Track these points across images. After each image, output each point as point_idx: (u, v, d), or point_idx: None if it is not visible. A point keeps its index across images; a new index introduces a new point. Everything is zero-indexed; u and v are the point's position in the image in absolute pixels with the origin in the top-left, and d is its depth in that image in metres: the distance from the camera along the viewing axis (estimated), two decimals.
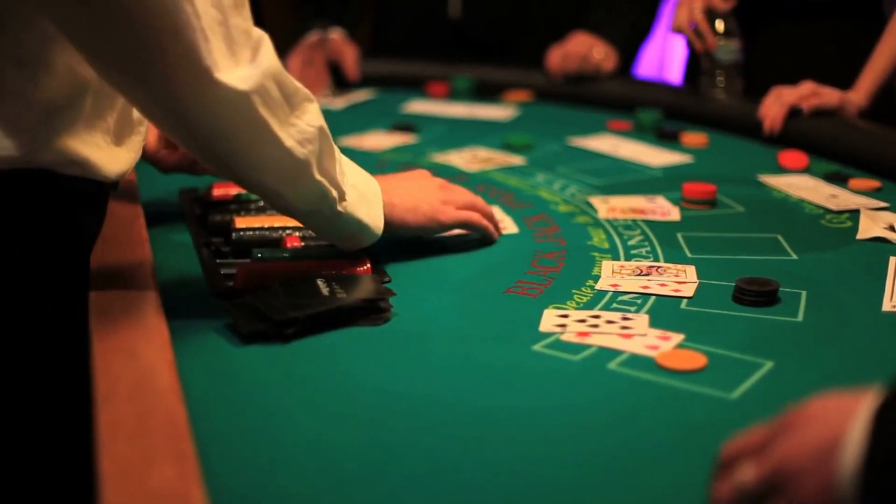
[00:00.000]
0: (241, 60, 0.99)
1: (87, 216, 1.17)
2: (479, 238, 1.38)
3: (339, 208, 1.14)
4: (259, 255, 1.23)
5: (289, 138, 1.05)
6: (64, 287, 1.15)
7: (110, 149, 1.12)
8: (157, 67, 0.96)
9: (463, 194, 1.36)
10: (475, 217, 1.35)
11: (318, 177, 1.09)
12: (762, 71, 2.13)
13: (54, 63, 1.03)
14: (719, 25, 2.05)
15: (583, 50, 2.31)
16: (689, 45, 2.13)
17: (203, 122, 1.00)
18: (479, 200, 1.37)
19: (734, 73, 2.09)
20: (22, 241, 1.10)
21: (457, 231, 1.36)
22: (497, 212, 1.51)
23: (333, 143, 1.12)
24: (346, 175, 1.15)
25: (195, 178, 1.52)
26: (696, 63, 2.16)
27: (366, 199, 1.19)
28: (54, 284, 1.13)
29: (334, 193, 1.12)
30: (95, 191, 1.15)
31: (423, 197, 1.30)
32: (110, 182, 1.14)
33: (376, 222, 1.21)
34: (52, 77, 1.03)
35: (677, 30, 2.10)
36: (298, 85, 1.07)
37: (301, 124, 1.06)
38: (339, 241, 1.22)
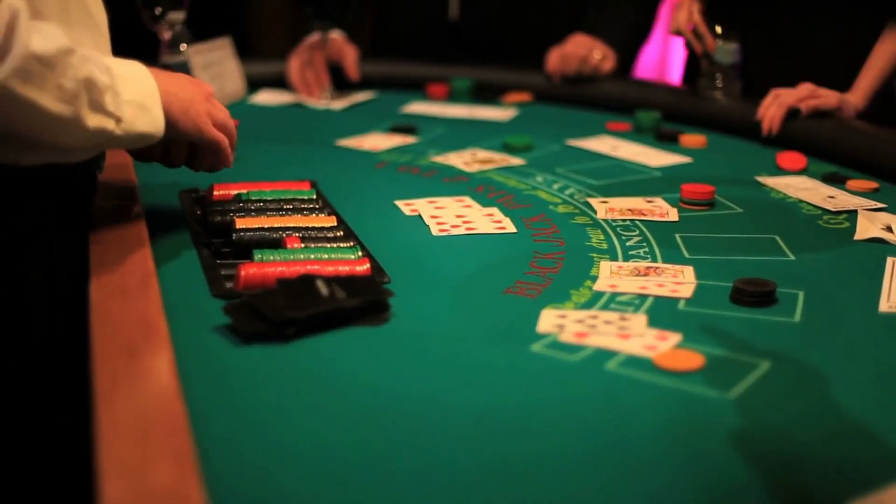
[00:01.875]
0: None
1: (71, 203, 1.19)
2: (477, 237, 1.39)
3: (118, 132, 1.16)
4: (259, 256, 1.24)
5: (54, 103, 1.07)
6: (61, 284, 1.15)
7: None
8: None
9: (223, 112, 1.34)
10: (223, 142, 1.32)
11: (90, 123, 1.12)
12: (761, 72, 2.13)
13: None
14: (717, 28, 2.05)
15: (582, 51, 2.32)
16: (688, 46, 2.13)
17: None
18: (230, 124, 1.35)
19: (732, 75, 2.09)
20: (11, 237, 1.11)
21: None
22: (496, 212, 1.51)
23: (100, 74, 1.12)
24: (119, 95, 1.16)
25: (195, 179, 1.53)
26: (695, 64, 2.16)
27: (144, 108, 1.19)
28: (49, 281, 1.14)
29: (110, 125, 1.14)
30: (74, 175, 1.18)
31: (193, 103, 1.28)
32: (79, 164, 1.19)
33: (157, 126, 1.21)
34: None
35: (676, 31, 2.10)
36: (55, 45, 1.07)
37: (65, 82, 1.08)
38: (124, 148, 1.28)
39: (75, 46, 1.10)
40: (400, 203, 1.56)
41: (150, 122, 1.20)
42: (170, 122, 1.23)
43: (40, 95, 1.06)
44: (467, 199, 1.57)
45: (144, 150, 1.30)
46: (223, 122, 1.33)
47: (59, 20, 1.13)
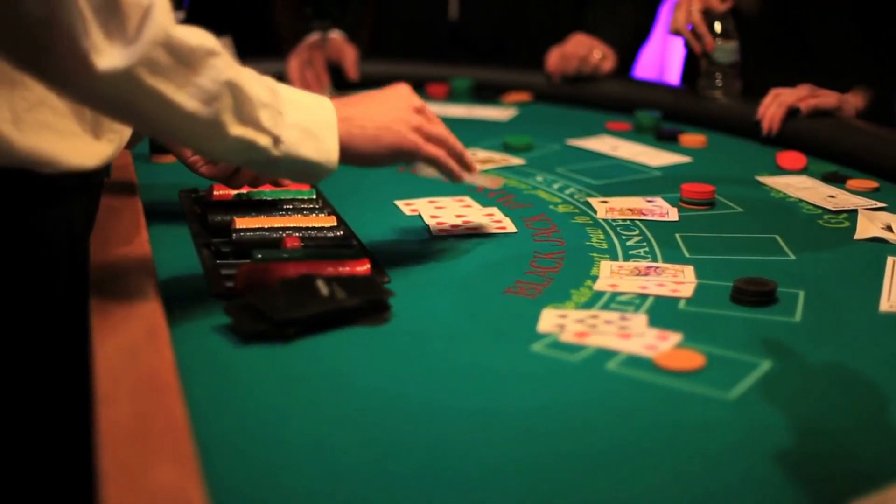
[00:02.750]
0: (120, 37, 0.97)
1: (74, 208, 1.19)
2: (477, 237, 1.39)
3: (276, 153, 1.09)
4: (259, 256, 1.23)
5: (189, 101, 1.02)
6: (60, 283, 1.15)
7: (88, 140, 1.13)
8: (45, 60, 0.96)
9: (437, 125, 1.26)
10: (442, 155, 1.25)
11: (235, 132, 1.06)
12: (761, 72, 2.13)
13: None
14: (717, 27, 2.05)
15: (582, 51, 2.32)
16: (687, 46, 2.13)
17: (100, 104, 1.02)
18: (451, 136, 1.27)
19: (732, 74, 2.09)
20: (13, 240, 1.11)
21: (428, 171, 1.28)
22: (496, 212, 1.51)
23: (257, 88, 1.08)
24: (283, 115, 1.10)
25: (194, 179, 1.52)
26: (695, 64, 2.16)
27: (312, 135, 1.13)
28: (50, 281, 1.14)
29: (263, 141, 1.08)
30: (79, 182, 1.17)
31: (389, 123, 1.20)
32: (92, 171, 1.16)
33: (328, 157, 1.14)
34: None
35: (675, 31, 2.10)
36: (197, 42, 1.02)
37: (203, 82, 1.02)
38: (292, 179, 1.19)
39: (223, 51, 1.06)
40: (400, 203, 1.56)
41: (318, 149, 1.12)
42: (359, 155, 1.18)
43: (170, 89, 1.00)
44: (467, 199, 1.57)
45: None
46: (441, 136, 1.25)
47: None
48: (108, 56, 0.96)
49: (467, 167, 1.30)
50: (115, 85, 0.97)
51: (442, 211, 1.51)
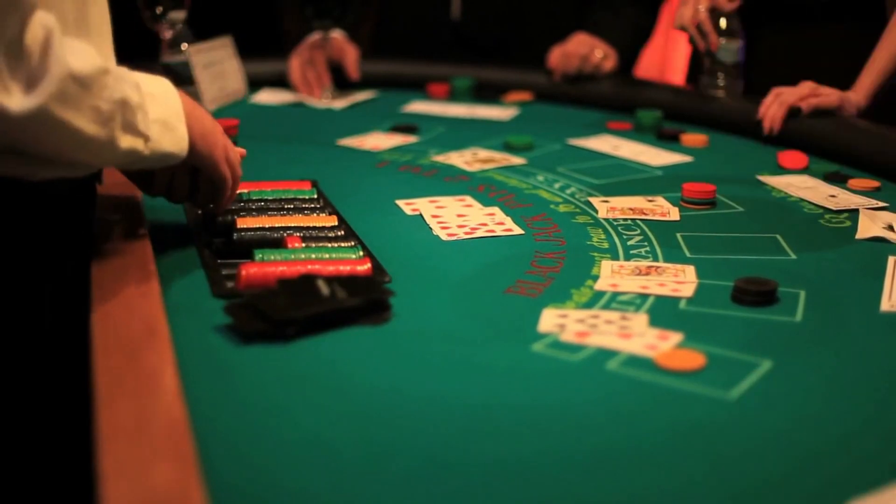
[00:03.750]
0: (26, 78, 0.98)
1: (73, 213, 1.19)
2: (480, 238, 1.39)
3: (146, 152, 1.14)
4: (260, 256, 1.24)
5: (89, 125, 1.05)
6: (63, 285, 1.15)
7: None
8: None
9: (235, 153, 1.33)
10: (228, 181, 1.30)
11: (123, 145, 1.09)
12: (763, 72, 2.13)
13: None
14: (722, 24, 2.05)
15: (583, 50, 2.32)
16: (692, 43, 2.12)
17: (8, 143, 1.03)
18: (238, 168, 1.34)
19: (735, 74, 2.09)
20: (11, 243, 1.11)
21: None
22: (497, 212, 1.51)
23: (132, 93, 1.10)
24: (148, 114, 1.14)
25: None
26: (699, 62, 2.16)
27: (169, 126, 1.18)
28: (51, 282, 1.14)
29: (139, 144, 1.12)
30: (69, 189, 1.18)
31: (214, 133, 1.28)
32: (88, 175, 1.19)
33: (181, 144, 1.20)
34: None
35: (681, 27, 2.09)
36: (92, 65, 1.04)
37: (100, 104, 1.05)
38: (150, 168, 1.24)
39: (109, 65, 1.08)
40: (401, 202, 1.56)
41: (175, 141, 1.19)
42: (190, 147, 1.22)
43: (76, 117, 1.03)
44: (468, 199, 1.57)
45: (148, 181, 1.31)
46: (234, 162, 1.31)
47: (77, 31, 1.12)
48: (19, 98, 0.97)
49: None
50: (27, 123, 0.99)
51: (443, 211, 1.51)
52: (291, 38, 2.48)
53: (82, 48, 1.05)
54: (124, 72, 1.12)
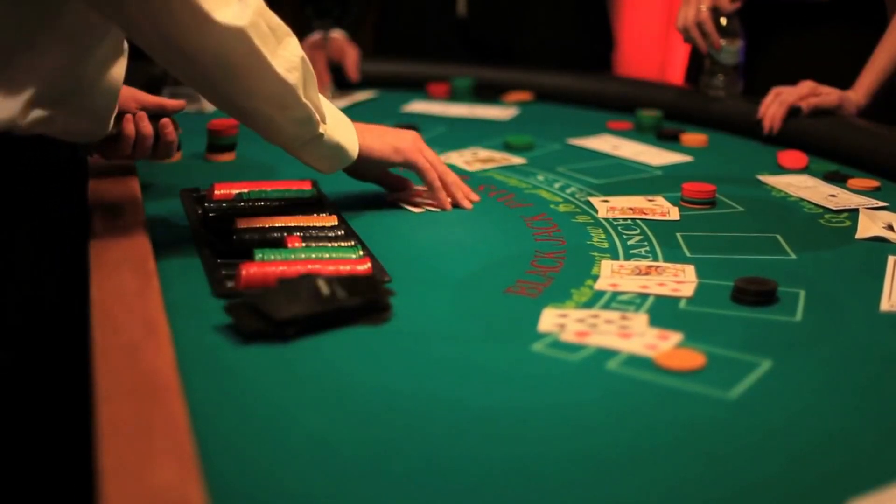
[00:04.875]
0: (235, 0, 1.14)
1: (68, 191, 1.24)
2: (478, 236, 1.39)
3: (321, 130, 1.29)
4: (260, 256, 1.23)
5: (279, 66, 1.19)
6: (60, 281, 1.16)
7: None
8: (164, 13, 1.11)
9: (431, 153, 1.50)
10: (427, 168, 1.48)
11: (304, 100, 1.24)
12: (764, 72, 2.13)
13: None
14: (722, 24, 2.05)
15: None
16: (691, 42, 2.12)
17: (206, 58, 1.15)
18: (449, 172, 1.52)
19: (735, 74, 2.09)
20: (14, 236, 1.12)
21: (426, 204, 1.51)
22: (498, 211, 1.51)
23: (314, 73, 1.27)
24: (324, 104, 1.31)
25: (195, 179, 1.53)
26: (699, 62, 2.16)
27: (342, 123, 1.35)
28: (50, 279, 1.14)
29: (317, 116, 1.28)
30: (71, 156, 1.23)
31: (392, 134, 1.47)
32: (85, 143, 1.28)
33: (352, 145, 1.37)
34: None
35: (682, 28, 2.09)
36: (279, 20, 1.20)
37: (287, 54, 1.21)
38: (321, 163, 1.37)
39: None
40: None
41: (347, 137, 1.35)
42: (369, 149, 1.41)
43: (268, 53, 1.17)
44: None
45: (115, 140, 1.41)
46: (435, 159, 1.50)
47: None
48: (225, 13, 1.12)
49: (458, 197, 1.52)
50: (230, 40, 1.14)
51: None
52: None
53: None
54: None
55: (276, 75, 1.19)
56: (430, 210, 1.52)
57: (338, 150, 1.34)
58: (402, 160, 1.47)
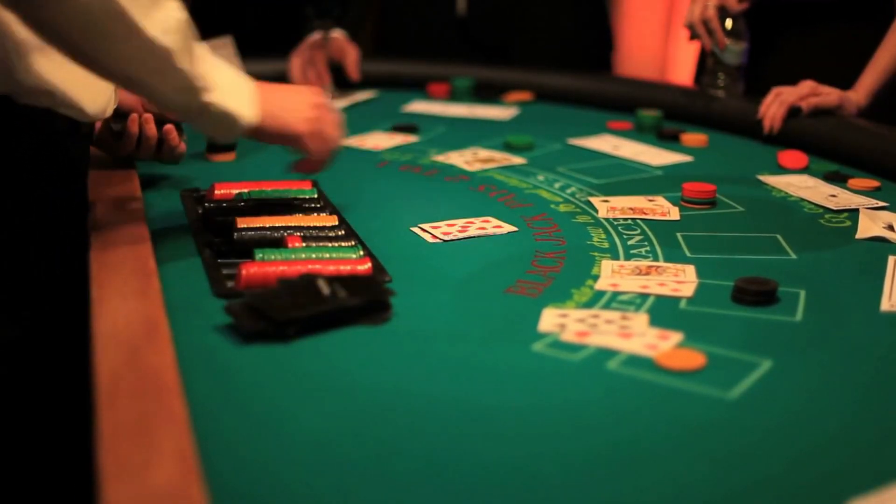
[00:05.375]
0: None
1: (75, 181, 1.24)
2: (479, 237, 1.39)
3: (208, 98, 1.19)
4: (260, 256, 1.23)
5: (151, 27, 1.11)
6: (61, 282, 1.16)
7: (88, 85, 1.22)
8: None
9: (327, 128, 1.38)
10: (319, 156, 1.39)
11: (181, 66, 1.15)
12: (766, 73, 2.13)
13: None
14: (728, 25, 2.05)
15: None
16: (697, 39, 2.11)
17: (69, 22, 1.07)
18: (333, 142, 1.40)
19: (737, 75, 2.09)
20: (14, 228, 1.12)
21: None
22: (498, 211, 1.51)
23: (199, 41, 1.19)
24: (217, 69, 1.22)
25: (195, 178, 1.53)
26: (705, 62, 2.16)
27: (234, 92, 1.24)
28: (50, 279, 1.14)
29: (200, 83, 1.18)
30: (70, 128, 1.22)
31: (293, 109, 1.33)
32: (88, 120, 1.25)
33: (247, 115, 1.26)
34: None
35: (689, 24, 2.08)
36: None
37: (162, 15, 1.12)
38: (213, 131, 1.29)
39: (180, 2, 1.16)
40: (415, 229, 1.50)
41: (240, 107, 1.24)
42: (260, 126, 1.28)
43: (136, 13, 1.09)
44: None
45: (117, 138, 1.39)
46: (330, 138, 1.38)
47: None
48: None
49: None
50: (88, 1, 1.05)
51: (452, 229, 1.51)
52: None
53: None
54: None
55: (146, 38, 1.10)
56: (430, 210, 1.52)
57: (228, 118, 1.24)
58: (300, 143, 1.36)
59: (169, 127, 1.52)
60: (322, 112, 1.36)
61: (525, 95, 2.37)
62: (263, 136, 1.31)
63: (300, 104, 1.34)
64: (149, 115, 1.50)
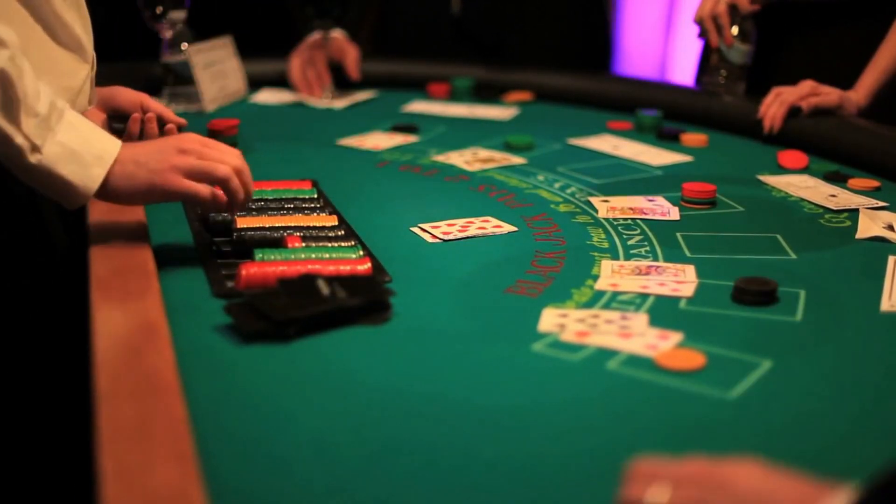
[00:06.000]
0: None
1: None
2: (479, 237, 1.39)
3: (31, 160, 1.11)
4: (260, 256, 1.23)
5: None
6: (61, 282, 1.15)
7: None
8: None
9: (196, 160, 1.21)
10: (201, 191, 1.21)
11: None
12: (769, 73, 2.12)
13: None
14: (734, 30, 2.04)
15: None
16: (704, 37, 2.10)
17: None
18: (218, 168, 1.22)
19: (740, 75, 2.08)
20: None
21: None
22: (498, 211, 1.51)
23: (33, 99, 1.10)
24: (53, 131, 1.12)
25: None
26: (708, 60, 2.15)
27: (78, 158, 1.14)
28: (50, 280, 1.14)
29: (19, 140, 1.09)
30: None
31: (151, 162, 1.19)
32: None
33: (86, 184, 1.14)
34: None
35: (699, 20, 2.08)
36: None
37: None
38: (46, 193, 1.17)
39: (15, 51, 1.08)
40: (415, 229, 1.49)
41: (78, 173, 1.13)
42: (115, 190, 1.17)
43: None
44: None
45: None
46: (201, 170, 1.21)
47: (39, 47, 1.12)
48: None
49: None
50: None
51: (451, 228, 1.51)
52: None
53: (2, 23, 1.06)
54: (50, 91, 1.12)
55: None
56: (430, 211, 1.52)
57: (61, 184, 1.14)
58: (162, 197, 1.21)
59: (170, 127, 1.52)
60: (195, 146, 1.22)
61: (525, 95, 2.37)
62: (124, 199, 1.19)
63: (162, 153, 1.20)
64: (151, 115, 1.50)
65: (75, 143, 1.14)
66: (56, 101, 1.12)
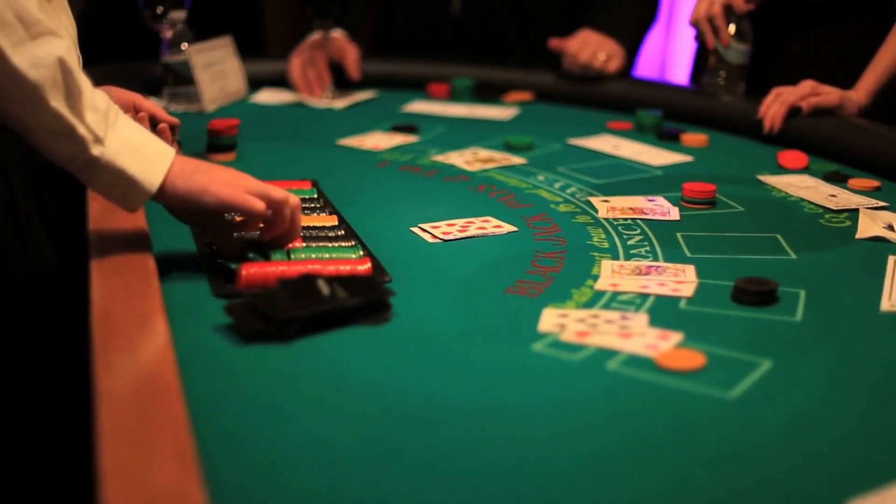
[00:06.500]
0: None
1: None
2: (479, 237, 1.39)
3: (95, 152, 1.09)
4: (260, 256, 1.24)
5: (18, 58, 1.04)
6: (60, 282, 1.15)
7: None
8: None
9: (256, 180, 1.21)
10: (255, 204, 1.18)
11: (54, 105, 1.06)
12: (769, 73, 2.12)
13: None
14: (731, 29, 2.05)
15: (586, 55, 2.30)
16: (700, 39, 2.11)
17: None
18: (277, 191, 1.20)
19: (738, 75, 2.09)
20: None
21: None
22: (498, 211, 1.51)
23: (92, 93, 1.10)
24: (114, 128, 1.11)
25: None
26: (705, 61, 2.15)
27: (140, 154, 1.12)
28: (50, 280, 1.14)
29: (82, 131, 1.08)
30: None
31: (212, 170, 1.18)
32: None
33: (149, 179, 1.12)
34: None
35: (694, 22, 2.08)
36: (42, 18, 1.06)
37: (39, 50, 1.05)
38: (104, 191, 1.14)
39: (71, 44, 1.08)
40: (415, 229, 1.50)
41: (141, 168, 1.12)
42: (172, 187, 1.15)
43: (6, 43, 1.02)
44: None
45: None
46: (258, 187, 1.19)
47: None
48: None
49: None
50: None
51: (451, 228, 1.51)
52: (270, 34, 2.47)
53: (57, 17, 1.07)
54: (104, 94, 1.11)
55: (11, 67, 1.03)
56: (431, 211, 1.52)
57: (123, 179, 1.11)
58: (216, 204, 1.17)
59: (162, 126, 1.51)
60: (264, 187, 1.20)
61: (525, 95, 2.37)
62: (181, 200, 1.16)
63: (220, 168, 1.19)
64: (143, 115, 1.49)
65: (136, 140, 1.13)
66: (112, 104, 1.12)
